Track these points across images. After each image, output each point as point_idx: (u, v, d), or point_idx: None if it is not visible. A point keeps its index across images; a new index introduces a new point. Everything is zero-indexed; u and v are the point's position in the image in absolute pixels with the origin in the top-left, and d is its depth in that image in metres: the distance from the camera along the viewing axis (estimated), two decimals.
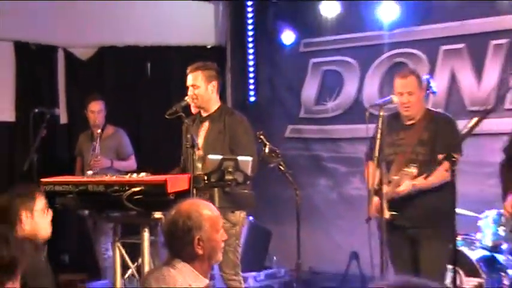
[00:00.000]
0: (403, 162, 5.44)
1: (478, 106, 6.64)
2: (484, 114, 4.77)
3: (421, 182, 5.30)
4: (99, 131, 7.39)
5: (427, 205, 5.39)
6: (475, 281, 6.23)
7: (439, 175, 5.24)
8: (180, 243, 3.53)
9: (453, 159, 4.67)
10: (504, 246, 6.34)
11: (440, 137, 5.40)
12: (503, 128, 7.02)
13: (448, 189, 4.91)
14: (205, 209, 3.59)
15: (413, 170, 5.25)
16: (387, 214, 5.32)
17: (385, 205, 5.31)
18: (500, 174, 5.43)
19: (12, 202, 3.92)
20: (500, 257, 6.34)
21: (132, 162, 7.67)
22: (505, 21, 7.21)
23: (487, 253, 6.39)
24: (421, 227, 5.46)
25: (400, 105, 5.58)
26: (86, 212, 5.78)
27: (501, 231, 6.36)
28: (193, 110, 6.04)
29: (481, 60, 7.42)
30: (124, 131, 7.80)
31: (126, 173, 5.60)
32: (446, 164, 4.80)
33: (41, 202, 4.01)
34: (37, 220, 3.97)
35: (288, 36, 8.58)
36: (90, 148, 7.39)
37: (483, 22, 7.38)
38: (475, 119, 4.72)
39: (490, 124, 5.68)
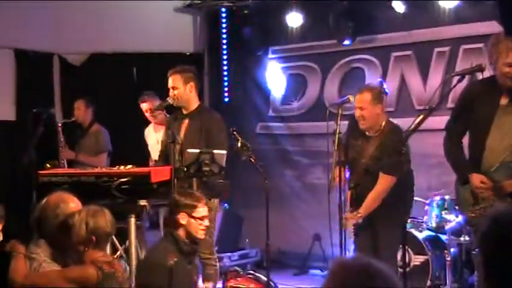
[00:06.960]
0: (360, 172, 5.36)
1: (424, 105, 6.65)
2: (428, 112, 4.73)
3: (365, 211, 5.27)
4: (60, 124, 7.41)
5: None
6: (422, 258, 6.28)
7: (376, 194, 5.22)
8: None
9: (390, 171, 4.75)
10: (447, 227, 6.38)
11: (384, 151, 5.22)
12: None
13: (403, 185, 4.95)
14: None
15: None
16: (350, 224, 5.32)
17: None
18: (446, 152, 5.06)
19: None
20: (443, 237, 6.39)
21: (98, 159, 7.40)
22: (446, 31, 7.25)
23: (432, 233, 6.43)
24: (378, 212, 5.34)
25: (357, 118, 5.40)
26: None
27: (444, 214, 6.40)
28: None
29: (427, 65, 7.46)
30: (107, 130, 7.69)
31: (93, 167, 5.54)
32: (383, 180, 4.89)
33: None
34: None
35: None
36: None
37: (428, 32, 7.42)
38: (421, 116, 4.71)
39: (434, 121, 5.68)
